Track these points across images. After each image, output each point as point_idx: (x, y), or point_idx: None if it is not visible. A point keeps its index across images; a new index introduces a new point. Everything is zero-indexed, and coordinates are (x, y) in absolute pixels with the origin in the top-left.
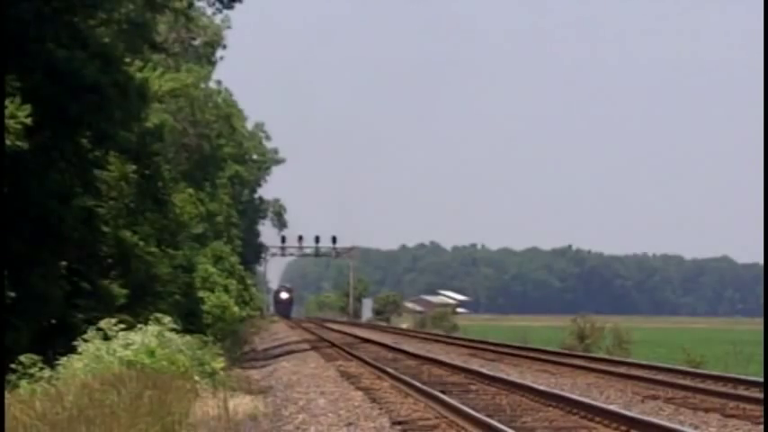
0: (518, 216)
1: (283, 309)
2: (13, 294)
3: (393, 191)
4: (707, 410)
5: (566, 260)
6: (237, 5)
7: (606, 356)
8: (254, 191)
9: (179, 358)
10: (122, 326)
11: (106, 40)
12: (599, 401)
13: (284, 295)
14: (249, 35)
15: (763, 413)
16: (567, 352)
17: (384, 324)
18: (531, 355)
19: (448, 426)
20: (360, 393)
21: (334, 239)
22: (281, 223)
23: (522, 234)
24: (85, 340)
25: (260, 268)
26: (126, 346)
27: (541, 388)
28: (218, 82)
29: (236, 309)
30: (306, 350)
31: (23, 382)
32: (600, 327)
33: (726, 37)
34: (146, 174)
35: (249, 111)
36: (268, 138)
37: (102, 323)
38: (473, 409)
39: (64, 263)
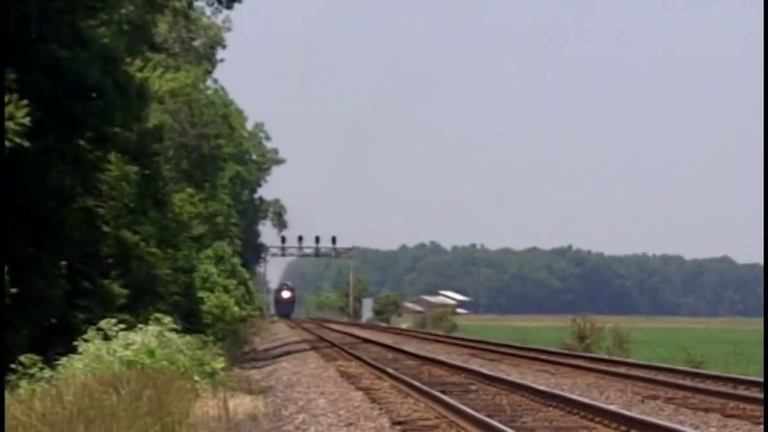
0: (518, 216)
1: (285, 308)
2: (13, 294)
3: (393, 191)
4: (707, 410)
5: (566, 260)
6: (237, 5)
7: (606, 357)
8: (254, 191)
9: (179, 358)
10: (122, 326)
11: (106, 40)
12: (599, 401)
13: (286, 294)
14: (249, 35)
15: (763, 413)
16: (567, 352)
17: (384, 324)
18: (531, 355)
19: (448, 426)
20: (360, 393)
21: (333, 239)
22: (281, 223)
23: (522, 234)
24: (85, 340)
25: (260, 268)
26: (126, 346)
27: (541, 388)
28: (215, 80)
29: (236, 309)
30: (306, 350)
31: (23, 383)
32: (600, 327)
33: (726, 37)
34: (146, 174)
35: (249, 111)
36: (268, 138)
37: (103, 323)
38: (473, 409)
39: (64, 263)
